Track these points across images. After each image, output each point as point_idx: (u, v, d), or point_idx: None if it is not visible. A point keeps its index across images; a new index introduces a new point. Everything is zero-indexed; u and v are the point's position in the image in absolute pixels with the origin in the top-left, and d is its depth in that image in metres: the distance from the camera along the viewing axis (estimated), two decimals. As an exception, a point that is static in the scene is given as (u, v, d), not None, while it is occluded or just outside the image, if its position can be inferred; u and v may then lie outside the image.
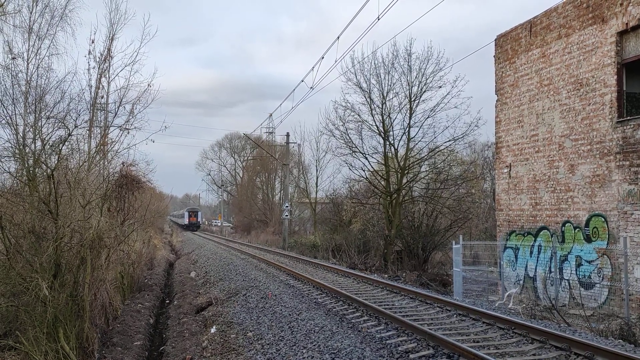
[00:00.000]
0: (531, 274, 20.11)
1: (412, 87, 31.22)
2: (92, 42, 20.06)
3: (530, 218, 20.36)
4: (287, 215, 44.11)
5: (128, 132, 18.85)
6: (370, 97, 32.13)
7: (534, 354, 9.17)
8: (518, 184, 21.05)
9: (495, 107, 22.53)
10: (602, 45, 17.31)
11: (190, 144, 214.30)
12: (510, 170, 21.53)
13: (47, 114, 17.55)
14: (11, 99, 18.05)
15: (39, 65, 20.14)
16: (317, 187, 56.60)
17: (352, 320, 12.21)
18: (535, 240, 20.06)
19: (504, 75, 22.02)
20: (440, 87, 30.78)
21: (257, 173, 78.00)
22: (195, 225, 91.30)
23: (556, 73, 19.19)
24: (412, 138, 32.03)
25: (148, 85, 19.18)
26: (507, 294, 19.55)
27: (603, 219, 17.09)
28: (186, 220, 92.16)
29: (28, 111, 19.25)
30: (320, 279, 18.65)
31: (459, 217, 33.01)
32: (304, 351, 10.44)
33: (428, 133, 32.43)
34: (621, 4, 16.62)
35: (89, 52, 20.06)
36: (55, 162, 12.99)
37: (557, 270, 18.58)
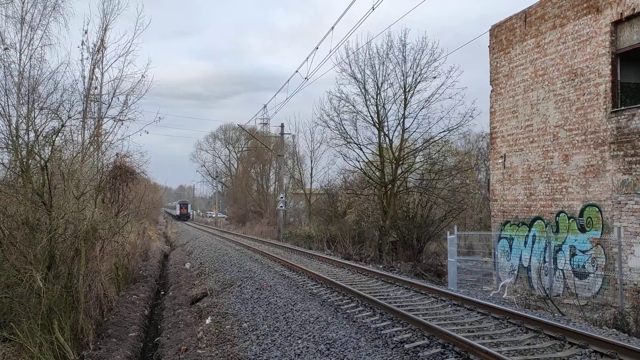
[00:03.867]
0: (525, 264, 20.18)
1: (406, 77, 31.13)
2: (85, 32, 19.98)
3: (525, 208, 20.40)
4: (282, 207, 44.09)
5: (122, 123, 18.82)
6: (364, 88, 32.06)
7: (528, 344, 9.21)
8: (512, 175, 21.09)
9: (490, 97, 22.53)
10: (596, 35, 17.30)
11: (185, 135, 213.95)
12: (504, 161, 21.55)
13: (40, 105, 17.45)
14: (4, 90, 17.93)
15: (31, 56, 19.98)
16: (311, 178, 56.57)
17: (347, 311, 12.23)
18: (529, 231, 20.11)
19: (498, 65, 22.00)
20: (434, 77, 30.69)
21: (251, 164, 77.86)
22: (186, 215, 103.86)
23: (551, 63, 19.18)
24: (406, 129, 32.00)
25: (142, 76, 19.15)
26: (501, 284, 19.62)
27: (597, 209, 17.14)
28: (178, 212, 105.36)
29: (21, 102, 19.12)
30: (315, 270, 18.67)
31: (453, 207, 33.06)
32: (299, 342, 10.46)
33: (423, 124, 32.37)
34: (616, -6, 16.60)
35: (82, 43, 19.99)
36: (49, 153, 12.90)
37: (552, 260, 18.64)
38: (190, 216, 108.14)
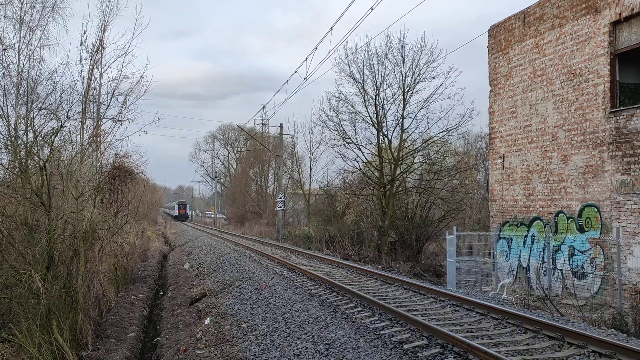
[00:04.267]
0: (524, 265, 20.19)
1: (405, 78, 31.12)
2: (84, 33, 19.97)
3: (524, 208, 20.41)
4: (280, 207, 44.08)
5: (121, 124, 18.80)
6: (363, 88, 32.05)
7: (527, 344, 9.21)
8: (511, 175, 21.10)
9: (489, 97, 22.54)
10: (595, 36, 17.32)
11: (184, 136, 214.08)
12: (503, 161, 21.56)
13: (39, 106, 17.45)
14: (2, 91, 17.91)
15: (30, 56, 19.98)
16: (310, 178, 56.51)
17: (346, 311, 12.23)
18: (528, 231, 20.12)
19: (497, 65, 22.01)
20: (433, 78, 30.67)
21: (250, 164, 77.82)
22: (184, 216, 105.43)
23: (549, 63, 19.20)
24: (405, 129, 32.00)
25: (141, 76, 19.13)
26: (500, 284, 19.63)
27: (596, 209, 17.15)
28: (176, 212, 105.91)
29: (20, 103, 19.11)
30: (314, 270, 18.67)
31: (452, 208, 33.06)
32: (298, 342, 10.45)
33: (422, 124, 32.44)
34: (615, -6, 16.62)
35: (81, 43, 20.01)
36: (48, 153, 12.90)
37: (550, 260, 18.65)
38: (189, 216, 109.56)
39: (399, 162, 32.26)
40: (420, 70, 30.71)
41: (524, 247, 20.27)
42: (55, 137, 13.51)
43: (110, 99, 21.01)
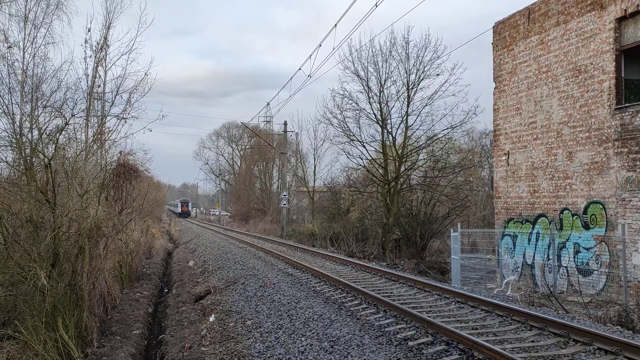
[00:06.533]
0: (529, 262, 20.15)
1: (409, 75, 31.12)
2: (89, 30, 19.95)
3: (529, 205, 20.37)
4: (285, 204, 44.09)
5: (125, 121, 18.80)
6: (368, 86, 32.06)
7: (532, 341, 9.18)
8: (516, 172, 21.04)
9: (494, 94, 22.47)
10: (600, 32, 17.25)
11: (188, 134, 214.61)
12: (508, 158, 21.51)
13: (43, 103, 17.51)
14: (7, 88, 17.97)
15: (35, 54, 20.02)
16: (315, 175, 56.51)
17: (351, 308, 12.22)
18: (533, 228, 20.07)
19: (502, 62, 21.94)
20: (438, 74, 30.68)
21: (255, 162, 77.88)
22: (187, 213, 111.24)
23: (554, 60, 19.13)
24: (410, 126, 31.98)
25: (145, 74, 19.12)
26: (505, 281, 19.59)
27: (601, 206, 17.10)
28: (179, 209, 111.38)
29: (25, 100, 19.15)
30: (318, 267, 18.66)
31: (457, 205, 33.04)
32: (303, 339, 10.45)
33: (426, 121, 32.36)
34: (620, -10, 16.54)
35: (86, 41, 19.99)
36: (53, 151, 12.90)
37: (555, 257, 18.61)
38: (191, 213, 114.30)
39: (403, 159, 32.23)
40: (425, 67, 30.73)
41: (529, 244, 20.23)
42: (60, 134, 13.50)
43: (115, 96, 21.02)
